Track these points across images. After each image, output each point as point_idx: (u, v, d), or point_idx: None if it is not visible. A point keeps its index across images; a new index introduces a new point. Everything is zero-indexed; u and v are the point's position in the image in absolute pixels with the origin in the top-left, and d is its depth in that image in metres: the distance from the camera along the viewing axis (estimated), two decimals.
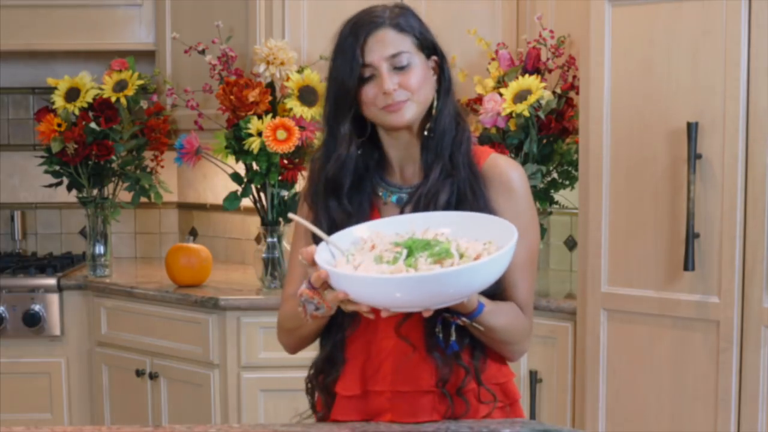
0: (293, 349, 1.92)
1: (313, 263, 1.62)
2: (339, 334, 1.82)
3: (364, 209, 1.82)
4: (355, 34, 1.76)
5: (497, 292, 1.78)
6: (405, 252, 1.59)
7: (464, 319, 1.72)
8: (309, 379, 1.90)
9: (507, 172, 1.83)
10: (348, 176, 1.81)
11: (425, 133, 1.81)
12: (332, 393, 1.85)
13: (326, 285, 1.61)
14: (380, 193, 1.85)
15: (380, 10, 1.78)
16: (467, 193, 1.78)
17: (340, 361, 1.83)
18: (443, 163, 1.79)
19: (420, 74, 1.77)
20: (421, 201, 1.78)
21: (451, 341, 1.74)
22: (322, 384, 1.86)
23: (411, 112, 1.77)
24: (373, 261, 1.60)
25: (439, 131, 1.80)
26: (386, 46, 1.75)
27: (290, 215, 1.74)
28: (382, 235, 1.67)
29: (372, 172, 1.85)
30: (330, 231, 1.73)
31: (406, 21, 1.78)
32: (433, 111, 1.81)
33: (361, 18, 1.78)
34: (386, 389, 1.80)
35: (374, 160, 1.85)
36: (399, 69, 1.75)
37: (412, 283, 1.52)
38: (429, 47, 1.80)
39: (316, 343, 1.90)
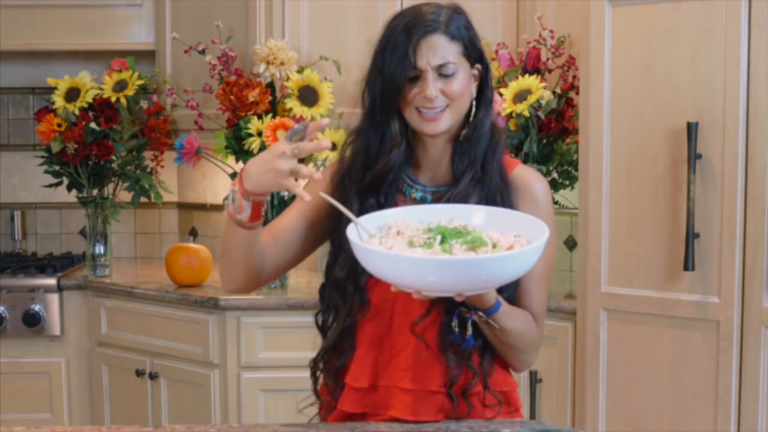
0: (229, 280, 1.86)
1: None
2: (348, 320, 1.84)
3: (389, 203, 1.84)
4: (408, 33, 1.76)
5: (512, 300, 1.80)
6: (439, 237, 1.62)
7: (481, 314, 1.73)
8: (314, 363, 1.90)
9: (533, 184, 1.86)
10: (391, 175, 1.83)
11: (460, 139, 1.83)
12: (341, 382, 1.86)
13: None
14: (403, 189, 1.86)
15: (435, 12, 1.78)
16: (496, 199, 1.80)
17: (350, 346, 1.85)
18: (475, 170, 1.81)
19: (463, 83, 1.78)
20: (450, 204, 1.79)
21: (468, 336, 1.76)
22: (331, 367, 1.87)
23: (447, 123, 1.79)
24: (406, 245, 1.62)
25: (475, 139, 1.82)
26: (436, 53, 1.76)
27: (321, 194, 1.75)
28: (408, 222, 1.69)
29: (401, 167, 1.85)
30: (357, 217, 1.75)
31: (458, 28, 1.79)
32: (471, 118, 1.83)
33: (416, 18, 1.77)
34: (394, 385, 1.81)
35: (404, 155, 1.86)
36: (443, 76, 1.77)
37: (455, 266, 1.55)
38: (475, 56, 1.82)
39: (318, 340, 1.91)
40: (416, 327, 1.79)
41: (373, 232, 1.69)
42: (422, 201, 1.85)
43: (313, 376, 1.91)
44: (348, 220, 1.70)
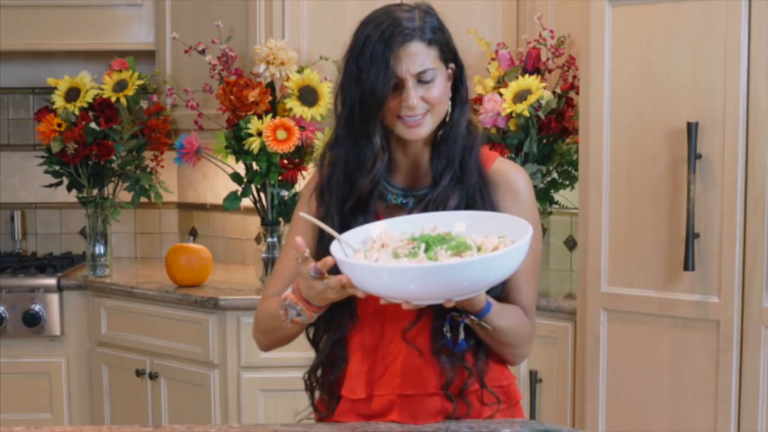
0: (267, 347, 1.92)
1: (305, 253, 1.66)
2: (339, 333, 1.83)
3: (371, 212, 1.82)
4: (386, 43, 1.72)
5: (501, 296, 1.79)
6: (423, 245, 1.60)
7: (472, 317, 1.73)
8: (308, 376, 1.90)
9: (513, 177, 1.84)
10: (376, 191, 1.81)
11: (437, 139, 1.82)
12: (336, 395, 1.85)
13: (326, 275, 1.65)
14: (384, 196, 1.84)
15: (409, 18, 1.75)
16: (476, 198, 1.79)
17: (342, 359, 1.84)
18: (454, 170, 1.80)
19: (442, 88, 1.78)
20: (430, 206, 1.78)
21: (461, 340, 1.75)
22: (324, 381, 1.87)
23: (428, 127, 1.78)
24: (391, 256, 1.61)
25: (452, 139, 1.81)
26: (415, 61, 1.74)
27: (302, 214, 1.75)
28: (391, 234, 1.68)
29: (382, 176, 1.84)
30: (341, 233, 1.73)
31: (433, 31, 1.77)
32: (447, 119, 1.81)
33: (392, 26, 1.74)
34: (392, 393, 1.81)
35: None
36: (423, 82, 1.76)
37: (439, 272, 1.54)
38: (450, 56, 1.80)
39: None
40: (407, 334, 1.78)
41: (358, 248, 1.68)
42: (403, 206, 1.83)
43: (309, 390, 1.90)
44: (331, 237, 1.69)
